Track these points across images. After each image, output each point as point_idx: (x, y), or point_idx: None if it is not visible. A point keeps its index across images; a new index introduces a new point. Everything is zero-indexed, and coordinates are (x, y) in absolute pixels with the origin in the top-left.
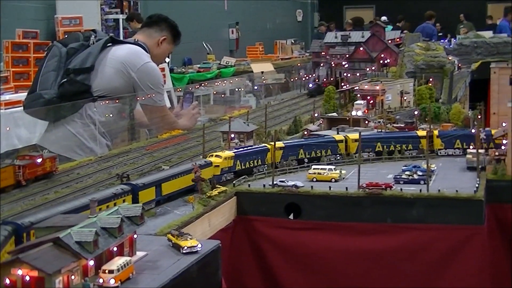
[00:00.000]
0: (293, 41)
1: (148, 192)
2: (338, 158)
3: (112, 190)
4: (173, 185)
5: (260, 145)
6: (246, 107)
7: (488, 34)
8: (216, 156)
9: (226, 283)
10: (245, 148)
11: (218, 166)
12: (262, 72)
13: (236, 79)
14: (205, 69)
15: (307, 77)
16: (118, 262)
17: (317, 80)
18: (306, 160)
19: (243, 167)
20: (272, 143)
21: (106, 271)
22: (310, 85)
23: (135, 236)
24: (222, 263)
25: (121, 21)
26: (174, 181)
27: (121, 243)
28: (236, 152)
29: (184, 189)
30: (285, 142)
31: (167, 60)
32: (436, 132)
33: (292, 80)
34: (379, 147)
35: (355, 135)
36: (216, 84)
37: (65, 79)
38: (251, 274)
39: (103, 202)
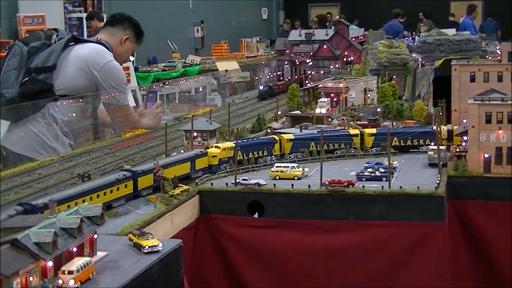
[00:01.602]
0: (258, 39)
1: (147, 178)
2: (353, 152)
3: (115, 176)
4: (169, 173)
5: (266, 137)
6: (212, 105)
7: (451, 31)
8: (215, 146)
9: (189, 282)
10: (248, 139)
11: (216, 156)
12: (226, 71)
13: (201, 78)
14: (170, 67)
15: (271, 75)
16: (77, 262)
17: (281, 78)
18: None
19: (245, 157)
20: (282, 136)
21: (66, 272)
22: (261, 87)
23: (95, 236)
24: (185, 262)
25: (84, 19)
26: (170, 169)
27: (81, 243)
28: (236, 143)
29: (180, 177)
30: (295, 134)
31: (132, 58)
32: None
33: (256, 78)
34: (395, 142)
35: (372, 130)
36: (181, 82)
37: (27, 78)
38: (214, 273)
39: (107, 187)
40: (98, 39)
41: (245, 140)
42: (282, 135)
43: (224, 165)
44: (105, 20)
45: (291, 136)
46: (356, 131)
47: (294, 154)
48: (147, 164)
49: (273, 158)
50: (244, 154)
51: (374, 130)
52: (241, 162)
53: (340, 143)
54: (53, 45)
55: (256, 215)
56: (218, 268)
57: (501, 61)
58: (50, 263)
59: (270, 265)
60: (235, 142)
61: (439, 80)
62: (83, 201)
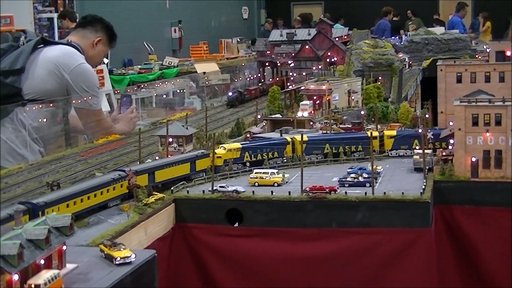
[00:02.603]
0: (239, 40)
1: (141, 178)
2: (375, 154)
3: (111, 175)
4: (167, 174)
5: (277, 138)
6: (190, 109)
7: (439, 30)
8: (221, 147)
9: None
10: (257, 140)
11: (220, 157)
12: (204, 73)
13: (179, 80)
14: (147, 70)
15: (251, 77)
16: (45, 275)
17: (262, 81)
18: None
19: (253, 159)
20: (295, 137)
21: (32, 286)
22: (230, 94)
23: (64, 247)
24: (160, 274)
25: (55, 20)
26: (168, 169)
27: (49, 255)
28: (244, 144)
29: (178, 178)
30: (309, 135)
31: (106, 61)
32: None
33: (236, 80)
34: (416, 144)
35: (392, 132)
36: (157, 85)
37: None
38: (191, 285)
39: (104, 186)
40: (69, 41)
41: (254, 140)
42: (295, 136)
43: (228, 166)
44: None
45: (305, 138)
46: (376, 133)
47: (308, 156)
48: (142, 165)
49: (285, 160)
50: (252, 156)
51: (394, 132)
52: (250, 164)
53: (358, 145)
54: (21, 47)
55: (236, 224)
56: (195, 280)
57: (489, 61)
58: (15, 277)
59: (249, 275)
60: (242, 143)
61: (427, 80)
62: (81, 200)
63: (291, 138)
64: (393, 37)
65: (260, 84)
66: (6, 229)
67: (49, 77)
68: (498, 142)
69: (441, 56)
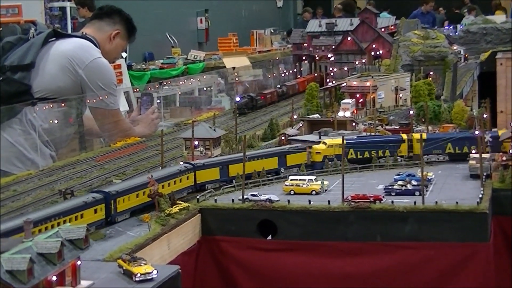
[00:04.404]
0: (272, 31)
1: (210, 172)
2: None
3: (177, 167)
4: (246, 167)
5: (390, 134)
6: (218, 109)
7: (499, 18)
8: (322, 142)
9: None
10: (366, 136)
11: (320, 153)
12: (234, 68)
13: (205, 77)
14: (170, 65)
15: (287, 73)
16: None
17: (299, 77)
18: None
19: (359, 157)
20: (416, 134)
21: None
22: (238, 99)
23: (78, 262)
24: None
25: (68, 9)
26: (247, 163)
27: (62, 271)
28: (349, 139)
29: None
30: (428, 134)
31: (124, 55)
32: None
33: (270, 76)
34: None
35: None
36: (182, 82)
37: (1, 78)
38: None
39: (171, 178)
40: (84, 33)
41: (362, 136)
42: (413, 133)
43: (330, 163)
44: None
45: (423, 135)
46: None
47: (426, 156)
48: (209, 158)
49: (399, 159)
50: (358, 153)
51: None
52: (355, 162)
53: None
54: (31, 40)
55: (269, 237)
56: None
57: None
58: None
59: None
60: (348, 138)
61: (485, 76)
62: (150, 191)
63: (408, 136)
64: (446, 27)
65: (279, 86)
66: (14, 242)
67: (61, 73)
68: None
69: (502, 48)
